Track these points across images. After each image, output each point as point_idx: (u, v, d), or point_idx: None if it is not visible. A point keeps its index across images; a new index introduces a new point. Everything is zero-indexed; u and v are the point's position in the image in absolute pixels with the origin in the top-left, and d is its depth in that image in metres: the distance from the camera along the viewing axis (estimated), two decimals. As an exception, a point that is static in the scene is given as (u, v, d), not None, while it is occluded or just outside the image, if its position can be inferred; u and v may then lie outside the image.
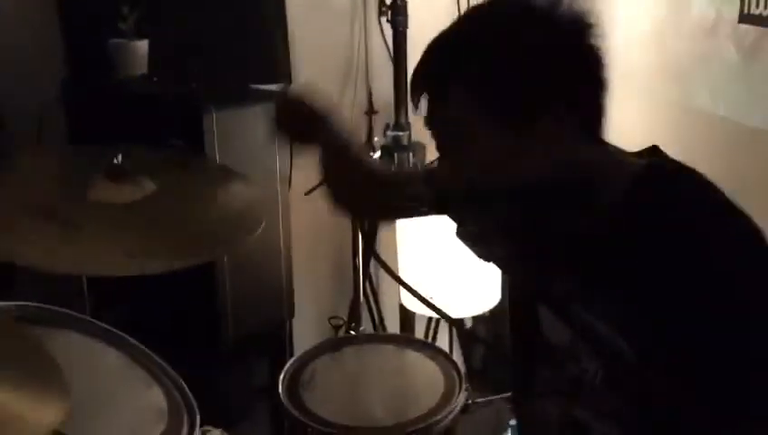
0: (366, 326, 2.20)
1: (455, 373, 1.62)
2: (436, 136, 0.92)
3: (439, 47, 0.91)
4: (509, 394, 2.23)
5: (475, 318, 2.41)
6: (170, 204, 1.39)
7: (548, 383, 1.01)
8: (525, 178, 0.86)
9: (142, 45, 1.98)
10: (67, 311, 1.23)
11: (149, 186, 1.39)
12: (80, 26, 2.06)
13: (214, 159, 1.75)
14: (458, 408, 1.53)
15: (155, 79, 1.96)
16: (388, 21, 2.16)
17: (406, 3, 2.13)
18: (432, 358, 1.69)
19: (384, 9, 2.15)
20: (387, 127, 2.22)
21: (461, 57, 0.88)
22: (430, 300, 1.93)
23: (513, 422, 2.05)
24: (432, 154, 2.33)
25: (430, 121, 0.91)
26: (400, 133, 2.21)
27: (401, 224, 2.07)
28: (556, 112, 0.86)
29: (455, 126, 0.88)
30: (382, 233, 2.23)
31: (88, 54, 2.06)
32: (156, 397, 1.16)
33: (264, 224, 1.35)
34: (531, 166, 0.86)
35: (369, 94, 2.26)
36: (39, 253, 1.10)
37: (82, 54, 2.08)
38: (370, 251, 2.14)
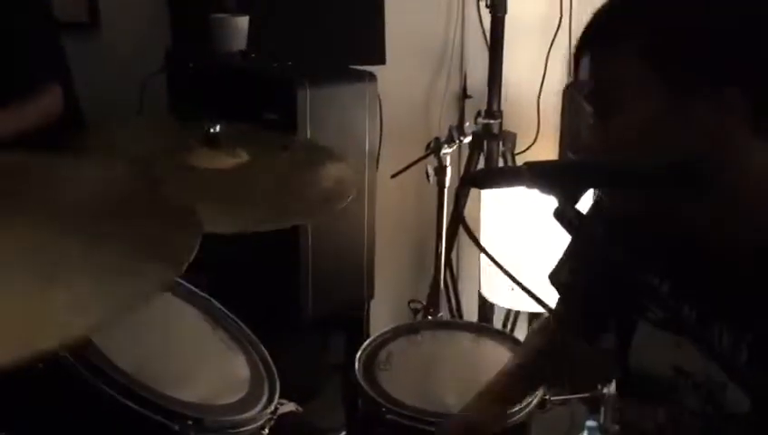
0: (444, 313, 2.19)
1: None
2: (593, 100, 0.86)
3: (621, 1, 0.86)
4: (587, 395, 2.19)
5: (555, 314, 2.37)
6: (261, 174, 1.42)
7: (634, 419, 0.96)
8: (673, 156, 0.81)
9: (243, 21, 2.02)
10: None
11: (243, 155, 1.42)
12: (184, 2, 2.13)
13: (305, 135, 1.77)
14: (534, 403, 1.50)
15: (253, 55, 2.00)
16: (486, 6, 2.13)
17: (506, -10, 2.09)
18: (510, 350, 1.66)
19: (482, -6, 2.12)
20: (478, 114, 2.19)
21: (644, 13, 0.83)
22: (511, 291, 1.90)
23: (589, 423, 2.00)
24: (523, 144, 2.31)
25: (590, 84, 0.86)
26: (492, 121, 2.18)
27: (485, 212, 2.04)
28: (732, 92, 0.79)
29: (616, 89, 0.83)
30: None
31: (191, 27, 2.12)
32: (239, 363, 1.18)
33: (351, 198, 1.36)
34: (685, 144, 0.81)
35: (464, 79, 2.24)
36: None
37: (185, 27, 2.14)
38: (458, 228, 2.11)
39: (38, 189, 0.80)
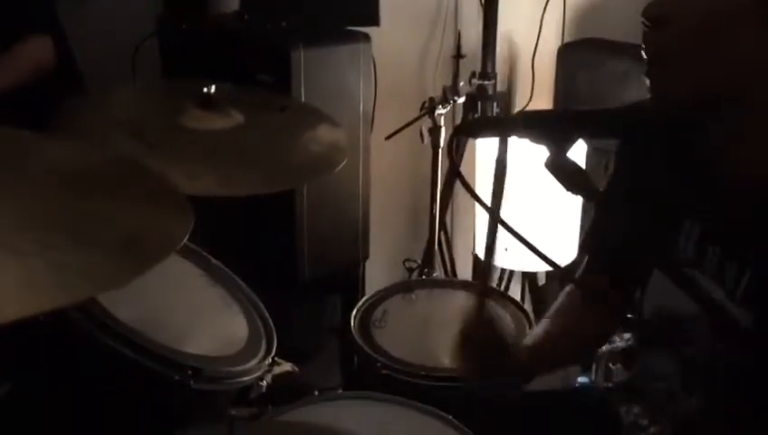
0: (439, 273, 2.21)
1: (525, 323, 1.62)
2: (671, 32, 0.82)
3: None
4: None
5: (548, 274, 2.39)
6: (256, 136, 1.42)
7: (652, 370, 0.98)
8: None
9: (236, -18, 2.01)
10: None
11: (238, 117, 1.43)
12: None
13: (299, 96, 1.78)
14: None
15: (246, 16, 1.99)
16: (480, -34, 2.12)
17: (499, -52, 2.08)
18: (503, 307, 1.70)
19: (477, -47, 2.11)
20: (473, 75, 2.19)
21: None
22: (505, 251, 1.91)
23: (581, 380, 2.04)
24: (517, 105, 2.31)
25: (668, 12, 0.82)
26: (486, 82, 2.18)
27: (480, 174, 2.05)
28: None
29: (709, 21, 0.79)
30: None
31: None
32: (237, 319, 1.21)
33: (344, 162, 1.37)
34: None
35: (458, 39, 2.23)
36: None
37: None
38: (452, 187, 2.12)
39: (23, 161, 0.80)
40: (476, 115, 2.19)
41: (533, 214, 1.93)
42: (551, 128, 0.82)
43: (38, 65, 1.69)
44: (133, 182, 0.85)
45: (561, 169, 0.81)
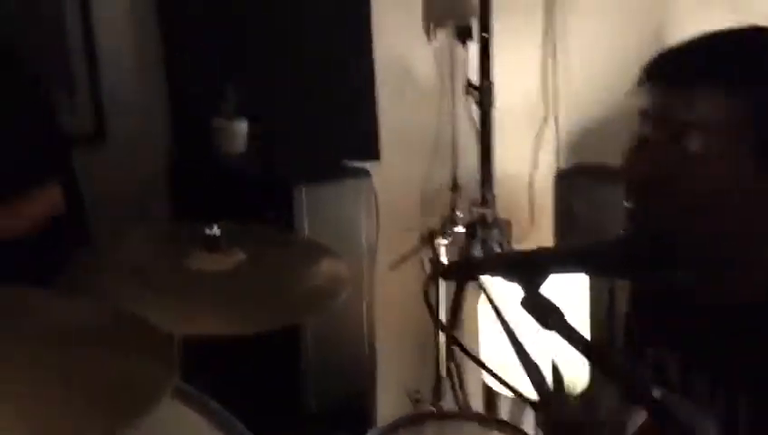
0: (449, 404, 2.18)
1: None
2: (659, 141, 0.83)
3: (716, 42, 0.84)
4: None
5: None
6: (259, 274, 1.45)
7: None
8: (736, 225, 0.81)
9: (242, 125, 2.10)
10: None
11: (240, 256, 1.46)
12: (185, 106, 2.22)
13: (302, 232, 1.83)
14: None
15: (252, 156, 2.08)
16: (475, 101, 2.21)
17: (492, 84, 2.18)
18: (514, 439, 1.66)
19: (471, 90, 2.21)
20: (472, 203, 2.25)
21: (745, 60, 0.82)
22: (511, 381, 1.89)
23: None
24: (519, 232, 2.34)
25: (656, 117, 0.83)
26: (485, 210, 2.23)
27: (482, 302, 2.06)
28: None
29: (705, 129, 0.79)
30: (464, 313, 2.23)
31: (192, 134, 2.21)
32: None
33: (347, 294, 1.39)
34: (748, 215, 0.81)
35: (454, 170, 2.30)
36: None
37: (186, 133, 2.23)
38: (450, 336, 2.14)
39: (25, 321, 0.83)
40: (478, 242, 2.23)
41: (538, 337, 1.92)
42: (519, 269, 0.84)
43: (47, 213, 1.74)
44: (132, 335, 0.87)
45: (535, 308, 0.82)
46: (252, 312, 1.35)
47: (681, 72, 0.83)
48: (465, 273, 0.92)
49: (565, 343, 0.83)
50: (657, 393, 0.93)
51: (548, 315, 0.82)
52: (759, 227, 0.82)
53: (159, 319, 1.25)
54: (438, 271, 0.84)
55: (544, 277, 0.84)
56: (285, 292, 1.43)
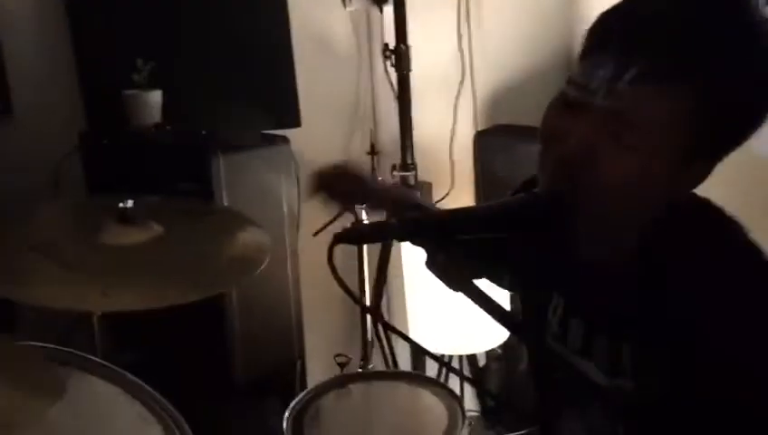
0: (377, 365, 2.21)
1: (458, 409, 1.63)
2: (591, 113, 0.80)
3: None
4: (524, 432, 2.22)
5: (488, 354, 2.42)
6: (176, 246, 1.44)
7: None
8: (643, 205, 0.83)
9: (155, 95, 2.05)
10: (70, 350, 1.27)
11: (156, 229, 1.44)
12: (96, 79, 2.16)
13: (221, 202, 1.81)
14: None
15: (167, 127, 2.03)
16: (392, 65, 2.22)
17: (408, 47, 2.19)
18: (437, 395, 1.70)
19: (388, 54, 2.21)
20: (393, 167, 2.27)
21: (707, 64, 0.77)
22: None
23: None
24: (439, 193, 2.38)
25: (595, 93, 0.79)
26: (407, 173, 2.25)
27: (409, 259, 2.10)
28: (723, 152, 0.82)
29: (624, 117, 0.78)
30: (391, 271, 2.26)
31: (104, 106, 2.15)
32: (154, 431, 1.18)
33: (265, 262, 1.39)
34: (661, 196, 0.83)
35: (371, 135, 2.31)
36: (39, 291, 1.16)
37: (99, 106, 2.16)
38: (384, 279, 2.17)
39: None
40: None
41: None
42: (427, 232, 0.85)
43: None
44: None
45: (439, 269, 0.84)
46: (169, 286, 1.34)
47: (620, 58, 0.78)
48: (365, 236, 0.92)
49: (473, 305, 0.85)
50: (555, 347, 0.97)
51: (451, 275, 0.84)
52: (645, 206, 0.84)
53: (74, 297, 1.23)
54: (339, 235, 0.82)
55: (452, 240, 0.85)
56: (203, 264, 1.43)
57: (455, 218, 0.87)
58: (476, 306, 0.85)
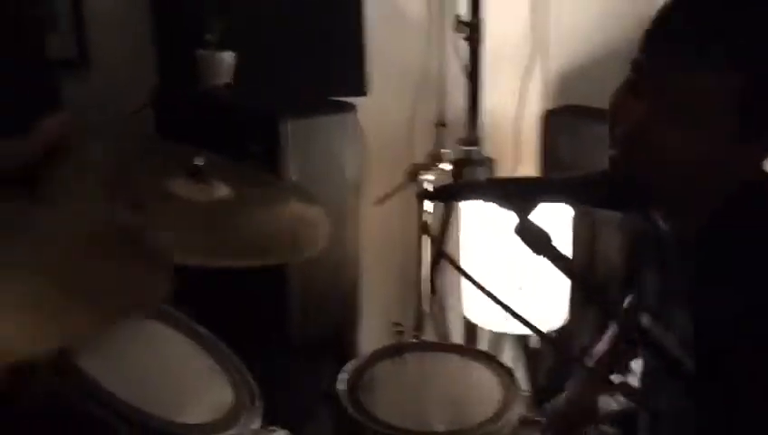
0: (430, 337, 2.22)
1: (512, 385, 1.63)
2: (660, 100, 0.85)
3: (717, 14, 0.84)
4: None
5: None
6: (241, 210, 1.46)
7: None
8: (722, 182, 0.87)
9: (228, 56, 2.08)
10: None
11: (224, 190, 1.46)
12: (170, 36, 2.20)
13: (287, 166, 1.83)
14: (514, 419, 1.54)
15: (238, 88, 2.06)
16: (464, 38, 2.20)
17: (481, 20, 2.16)
18: (491, 369, 1.71)
19: (460, 25, 2.19)
20: (458, 141, 2.25)
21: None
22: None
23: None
24: (503, 170, 2.36)
25: (665, 83, 0.85)
26: (473, 148, 2.24)
27: (465, 236, 2.09)
28: None
29: (695, 101, 0.83)
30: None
31: (176, 63, 2.19)
32: (224, 388, 1.22)
33: (321, 248, 1.40)
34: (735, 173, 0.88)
35: (442, 108, 2.31)
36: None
37: (171, 63, 2.21)
38: (439, 255, 2.17)
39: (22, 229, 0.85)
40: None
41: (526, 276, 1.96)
42: (511, 194, 0.87)
43: (62, 141, 1.71)
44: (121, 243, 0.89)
45: (527, 234, 0.86)
46: (233, 246, 1.36)
47: (679, 47, 0.84)
48: (454, 195, 0.95)
49: (554, 268, 0.87)
50: (644, 321, 0.97)
51: (540, 241, 0.86)
52: (710, 184, 0.89)
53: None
54: (426, 191, 0.88)
55: (534, 205, 0.87)
56: (267, 229, 1.44)
57: (539, 186, 0.89)
58: (557, 270, 0.87)
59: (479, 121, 2.24)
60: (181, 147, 1.60)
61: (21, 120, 1.74)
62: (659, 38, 0.87)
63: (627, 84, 0.89)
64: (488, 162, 2.27)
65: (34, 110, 1.77)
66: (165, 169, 1.49)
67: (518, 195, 0.87)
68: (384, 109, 2.25)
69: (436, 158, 1.91)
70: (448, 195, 0.96)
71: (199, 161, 1.48)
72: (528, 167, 2.34)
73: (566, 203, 0.91)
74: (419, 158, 2.20)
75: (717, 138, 0.84)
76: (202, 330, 1.31)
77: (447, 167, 1.98)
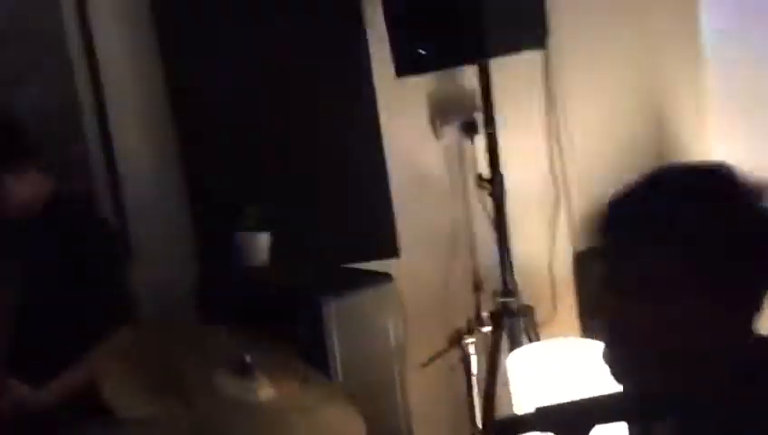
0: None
1: None
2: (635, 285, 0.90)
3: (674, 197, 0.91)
4: None
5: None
6: (285, 413, 1.46)
7: None
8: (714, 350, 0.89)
9: (263, 237, 2.16)
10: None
11: (269, 392, 1.47)
12: (208, 223, 2.29)
13: (333, 345, 1.85)
14: None
15: (276, 269, 2.12)
16: (488, 194, 2.25)
17: (502, 175, 2.22)
18: None
19: (482, 182, 2.25)
20: (495, 293, 2.26)
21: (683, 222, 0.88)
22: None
23: None
24: (542, 317, 2.36)
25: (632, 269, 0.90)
26: (509, 299, 2.24)
27: (516, 381, 2.07)
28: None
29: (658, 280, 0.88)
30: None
31: (216, 247, 2.27)
32: None
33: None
34: (726, 341, 0.89)
35: (475, 268, 2.33)
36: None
37: (211, 248, 2.29)
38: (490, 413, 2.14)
39: None
40: (504, 331, 2.23)
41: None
42: (565, 424, 0.87)
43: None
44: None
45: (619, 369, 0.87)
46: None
47: (628, 232, 0.91)
48: (509, 431, 0.95)
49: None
50: None
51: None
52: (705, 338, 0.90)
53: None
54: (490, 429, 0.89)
55: (589, 429, 0.88)
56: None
57: (589, 408, 0.90)
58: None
59: (512, 272, 2.26)
60: (227, 338, 1.63)
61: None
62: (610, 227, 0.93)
63: (600, 278, 0.93)
64: (526, 311, 2.27)
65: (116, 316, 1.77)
66: (212, 362, 1.51)
67: (572, 424, 0.87)
68: (418, 269, 2.29)
69: (476, 321, 1.92)
70: (508, 432, 0.96)
71: (247, 358, 1.51)
72: (566, 309, 2.34)
73: (621, 422, 0.90)
74: (457, 314, 2.22)
75: (687, 309, 0.87)
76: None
77: (486, 329, 1.98)
